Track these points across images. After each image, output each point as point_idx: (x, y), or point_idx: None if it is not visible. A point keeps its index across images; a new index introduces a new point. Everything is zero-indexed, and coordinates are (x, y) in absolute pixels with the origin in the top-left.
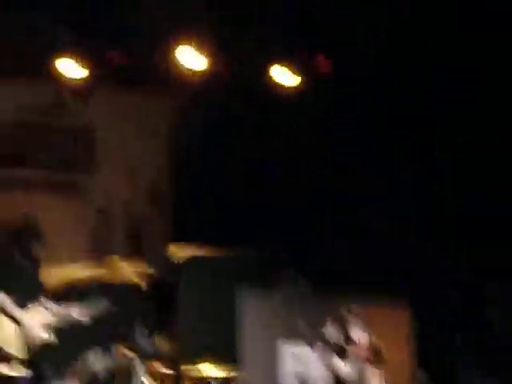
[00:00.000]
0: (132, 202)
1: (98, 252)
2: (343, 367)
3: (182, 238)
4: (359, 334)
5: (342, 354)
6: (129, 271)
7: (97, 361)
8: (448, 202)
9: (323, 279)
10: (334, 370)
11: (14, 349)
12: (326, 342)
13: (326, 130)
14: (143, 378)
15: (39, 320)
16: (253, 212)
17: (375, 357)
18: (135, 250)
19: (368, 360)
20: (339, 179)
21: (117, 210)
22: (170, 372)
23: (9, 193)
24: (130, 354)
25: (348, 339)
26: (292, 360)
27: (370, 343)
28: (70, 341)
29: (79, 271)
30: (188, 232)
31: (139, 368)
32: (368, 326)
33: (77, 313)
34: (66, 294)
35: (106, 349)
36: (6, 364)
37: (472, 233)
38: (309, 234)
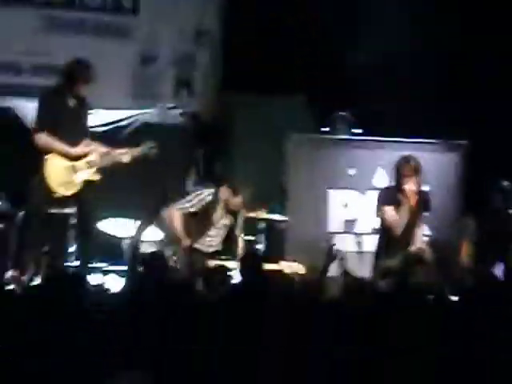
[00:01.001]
0: (180, 46)
1: (147, 96)
2: (392, 214)
3: (231, 83)
4: (409, 182)
5: (391, 201)
6: (178, 115)
7: None
8: None
9: (375, 125)
10: (383, 217)
11: (63, 185)
12: (376, 189)
13: None
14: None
15: (87, 158)
16: (303, 59)
17: (424, 205)
18: (184, 94)
19: (416, 208)
20: None
21: (165, 55)
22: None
23: (59, 35)
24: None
25: (398, 187)
26: (341, 207)
27: (420, 191)
28: (117, 182)
29: (127, 114)
30: (238, 77)
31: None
32: (418, 173)
33: (124, 154)
34: (113, 134)
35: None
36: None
37: None
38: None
